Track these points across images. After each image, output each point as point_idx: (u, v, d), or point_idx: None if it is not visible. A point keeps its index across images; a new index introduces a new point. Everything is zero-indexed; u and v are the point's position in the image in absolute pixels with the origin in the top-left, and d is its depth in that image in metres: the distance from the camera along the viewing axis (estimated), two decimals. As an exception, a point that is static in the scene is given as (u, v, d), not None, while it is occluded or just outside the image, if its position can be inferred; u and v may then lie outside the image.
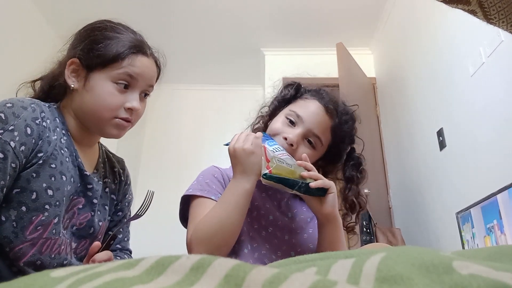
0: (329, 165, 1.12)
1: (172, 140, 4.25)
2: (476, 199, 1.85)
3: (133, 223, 1.15)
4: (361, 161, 1.11)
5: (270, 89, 1.23)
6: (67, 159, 0.89)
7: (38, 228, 0.82)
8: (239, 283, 0.21)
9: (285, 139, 1.00)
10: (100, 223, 0.99)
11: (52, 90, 0.98)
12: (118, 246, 1.10)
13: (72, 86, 0.92)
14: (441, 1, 0.59)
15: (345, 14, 3.46)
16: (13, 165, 0.79)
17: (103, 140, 1.09)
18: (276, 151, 0.94)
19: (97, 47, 0.91)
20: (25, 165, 0.82)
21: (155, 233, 3.52)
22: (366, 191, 2.69)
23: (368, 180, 1.14)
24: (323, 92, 1.10)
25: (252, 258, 0.96)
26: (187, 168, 4.06)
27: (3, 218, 0.80)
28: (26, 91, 1.01)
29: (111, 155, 1.13)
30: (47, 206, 0.83)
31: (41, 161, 0.83)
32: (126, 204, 1.13)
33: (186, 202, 1.01)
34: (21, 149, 0.80)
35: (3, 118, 0.80)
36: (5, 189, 0.79)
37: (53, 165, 0.85)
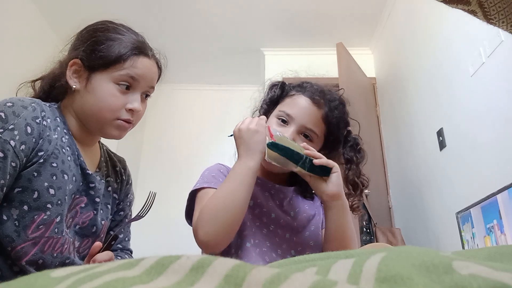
0: (331, 153, 1.12)
1: (172, 140, 4.25)
2: (476, 199, 1.84)
3: (133, 223, 1.15)
4: (358, 141, 1.12)
5: (259, 91, 1.24)
6: (68, 158, 0.89)
7: (40, 227, 0.82)
8: (239, 283, 0.21)
9: None
10: (103, 222, 0.99)
11: (52, 90, 0.99)
12: (119, 246, 1.10)
13: (74, 86, 0.92)
14: (441, 1, 0.59)
15: (345, 14, 3.45)
16: (13, 164, 0.79)
17: (103, 140, 1.09)
18: (281, 134, 0.97)
19: (100, 48, 0.91)
20: (25, 164, 0.82)
21: (155, 233, 3.52)
22: (366, 191, 2.69)
23: (368, 180, 1.14)
24: (306, 85, 1.10)
25: (254, 252, 0.96)
26: (187, 168, 4.06)
27: (5, 217, 0.80)
28: (26, 91, 1.01)
29: (112, 154, 1.13)
30: (49, 205, 0.83)
31: (42, 160, 0.83)
32: (128, 204, 1.13)
33: (193, 198, 1.01)
34: (21, 148, 0.80)
35: (3, 117, 0.80)
36: (5, 188, 0.79)
37: (54, 164, 0.85)
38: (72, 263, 0.90)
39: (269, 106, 1.14)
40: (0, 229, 0.80)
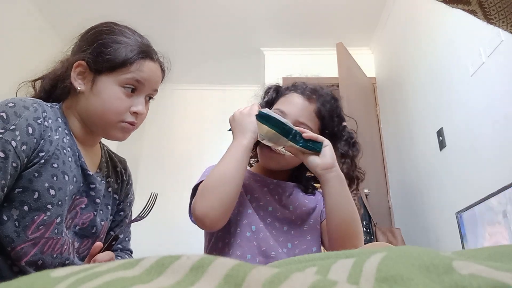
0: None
1: (172, 140, 4.25)
2: (476, 199, 1.85)
3: (133, 224, 1.15)
4: (352, 135, 1.14)
5: (256, 95, 1.26)
6: (69, 158, 0.89)
7: (40, 227, 0.82)
8: (239, 283, 0.21)
9: None
10: (102, 223, 0.99)
11: (54, 90, 0.99)
12: (119, 246, 1.10)
13: (79, 88, 0.92)
14: (441, 1, 0.59)
15: (345, 14, 3.46)
16: (14, 164, 0.79)
17: (104, 140, 1.09)
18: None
19: (106, 51, 0.91)
20: (26, 165, 0.82)
21: (155, 233, 3.52)
22: (366, 191, 2.69)
23: (368, 180, 1.14)
24: (299, 84, 1.14)
25: (255, 240, 0.97)
26: (187, 168, 4.06)
27: (5, 218, 0.80)
28: (27, 90, 1.01)
29: (113, 155, 1.13)
30: (49, 206, 0.83)
31: (42, 161, 0.83)
32: (128, 204, 1.13)
33: (194, 194, 1.02)
34: (22, 149, 0.80)
35: (5, 117, 0.80)
36: (6, 189, 0.79)
37: (55, 165, 0.85)
38: (71, 264, 0.90)
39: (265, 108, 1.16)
40: (0, 229, 0.80)
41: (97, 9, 3.45)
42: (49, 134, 0.85)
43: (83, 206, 0.94)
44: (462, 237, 1.94)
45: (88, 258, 0.91)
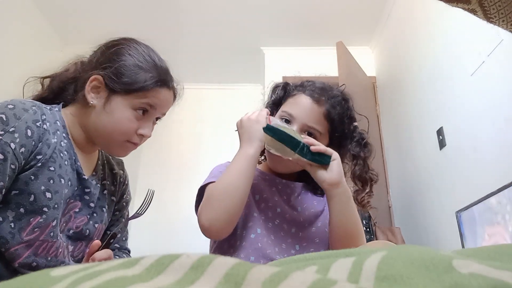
0: (339, 150, 1.10)
1: (171, 139, 4.24)
2: (476, 198, 1.85)
3: (132, 223, 1.15)
4: (363, 136, 1.11)
5: (263, 93, 1.24)
6: (65, 162, 0.89)
7: (35, 230, 0.82)
8: (239, 282, 0.21)
9: None
10: (96, 225, 0.99)
11: (61, 92, 0.99)
12: (116, 245, 1.10)
13: (91, 102, 0.92)
14: (441, 0, 0.59)
15: (345, 13, 3.45)
16: (13, 166, 0.79)
17: None
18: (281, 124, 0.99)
19: (126, 74, 0.92)
20: (24, 167, 0.82)
21: (154, 232, 3.52)
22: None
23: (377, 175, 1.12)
24: (307, 84, 1.10)
25: (259, 242, 0.97)
26: (187, 167, 4.06)
27: (0, 219, 0.80)
28: (34, 87, 1.01)
29: (110, 157, 1.13)
30: (45, 209, 0.83)
31: (39, 164, 0.83)
32: (124, 204, 1.13)
33: (201, 194, 1.02)
34: (20, 151, 0.80)
35: (4, 119, 0.80)
36: (3, 190, 0.79)
37: (52, 168, 0.85)
38: None
39: (272, 108, 1.14)
40: None
41: (97, 9, 3.45)
42: (47, 137, 0.85)
43: (77, 210, 0.94)
44: (462, 236, 1.94)
45: (86, 257, 0.91)
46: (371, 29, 3.67)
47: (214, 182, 0.99)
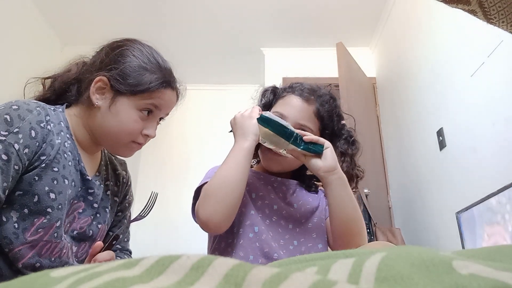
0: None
1: (171, 140, 4.24)
2: (476, 199, 1.85)
3: (133, 223, 1.15)
4: (351, 133, 1.14)
5: (253, 98, 1.26)
6: (69, 163, 0.90)
7: (39, 230, 0.83)
8: (239, 283, 0.21)
9: None
10: (99, 226, 0.99)
11: (64, 92, 0.99)
12: (118, 246, 1.10)
13: (97, 103, 0.93)
14: (441, 1, 0.59)
15: (345, 13, 3.46)
16: (16, 167, 0.79)
17: None
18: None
19: (132, 75, 0.93)
20: (27, 168, 0.82)
21: (154, 233, 3.52)
22: (366, 191, 2.69)
23: (368, 180, 1.15)
24: (296, 85, 1.14)
25: (257, 241, 0.98)
26: (186, 168, 4.06)
27: (4, 219, 0.80)
28: (35, 87, 1.01)
29: (113, 157, 1.13)
30: (49, 210, 0.83)
31: (43, 165, 0.83)
32: (127, 205, 1.13)
33: (197, 195, 1.02)
34: (24, 152, 0.80)
35: (9, 120, 0.80)
36: (7, 191, 0.79)
37: (55, 169, 0.85)
38: None
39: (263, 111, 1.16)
40: None
41: (97, 10, 3.45)
42: (51, 138, 0.86)
43: (81, 210, 0.94)
44: (462, 237, 1.95)
45: (88, 258, 0.91)
46: (371, 30, 3.67)
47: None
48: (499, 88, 1.81)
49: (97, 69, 0.95)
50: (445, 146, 2.31)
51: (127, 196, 1.14)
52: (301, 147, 0.94)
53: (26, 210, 0.82)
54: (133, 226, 1.19)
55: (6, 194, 0.79)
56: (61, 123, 0.92)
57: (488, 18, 0.57)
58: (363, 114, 3.21)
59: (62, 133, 0.90)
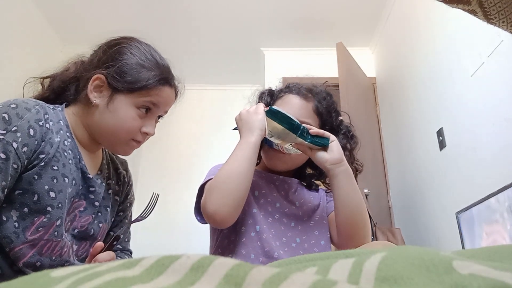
0: None
1: (171, 140, 4.24)
2: (476, 199, 1.85)
3: (133, 224, 1.15)
4: (350, 128, 1.16)
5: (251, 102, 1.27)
6: (70, 161, 0.89)
7: (40, 229, 0.82)
8: (239, 283, 0.21)
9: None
10: (100, 225, 0.99)
11: (63, 92, 0.99)
12: (118, 246, 1.10)
13: (94, 102, 0.93)
14: (441, 1, 0.59)
15: (345, 13, 3.46)
16: (15, 166, 0.79)
17: None
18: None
19: (129, 73, 0.93)
20: (27, 166, 0.82)
21: (155, 233, 3.52)
22: (366, 191, 2.69)
23: (368, 180, 1.16)
24: (292, 85, 1.16)
25: (259, 240, 0.98)
26: (187, 168, 4.06)
27: (4, 218, 0.80)
28: (34, 87, 1.01)
29: (114, 157, 1.13)
30: (49, 208, 0.83)
31: (43, 163, 0.83)
32: (128, 205, 1.13)
33: (201, 194, 1.03)
34: (23, 150, 0.80)
35: (7, 118, 0.80)
36: (6, 190, 0.79)
37: (55, 167, 0.85)
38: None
39: None
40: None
41: (97, 10, 3.45)
42: (50, 136, 0.85)
43: (82, 209, 0.94)
44: (462, 237, 1.94)
45: (89, 258, 0.91)
46: (371, 30, 3.67)
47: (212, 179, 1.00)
48: (499, 88, 1.81)
49: (95, 67, 0.95)
50: (445, 146, 2.31)
51: (129, 196, 1.14)
52: (308, 140, 0.95)
53: (26, 209, 0.81)
54: (133, 226, 1.19)
55: (6, 193, 0.79)
56: (61, 121, 0.91)
57: (488, 18, 0.57)
58: (363, 114, 3.21)
59: (61, 131, 0.90)
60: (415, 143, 2.80)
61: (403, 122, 3.02)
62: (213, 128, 4.29)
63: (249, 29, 3.71)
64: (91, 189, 0.96)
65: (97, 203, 0.97)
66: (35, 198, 0.82)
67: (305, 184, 1.16)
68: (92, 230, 0.97)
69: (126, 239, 1.13)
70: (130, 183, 1.16)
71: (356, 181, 1.11)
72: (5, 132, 0.78)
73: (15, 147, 0.79)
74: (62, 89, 0.99)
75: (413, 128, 2.83)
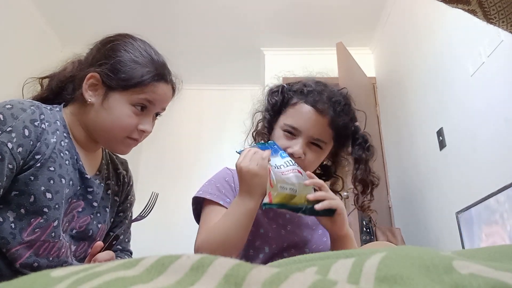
0: (341, 149, 1.10)
1: (171, 140, 4.24)
2: (476, 199, 1.85)
3: (133, 224, 1.15)
4: (366, 138, 1.09)
5: (259, 101, 1.18)
6: (66, 162, 0.89)
7: (36, 230, 0.82)
8: (239, 283, 0.21)
9: (291, 155, 0.98)
10: (99, 225, 0.99)
11: (61, 91, 0.99)
12: (118, 247, 1.10)
13: (89, 100, 0.92)
14: (441, 1, 0.59)
15: (345, 13, 3.45)
16: (10, 166, 0.79)
17: None
18: (286, 166, 0.93)
19: (123, 70, 0.92)
20: (22, 167, 0.82)
21: (155, 233, 3.51)
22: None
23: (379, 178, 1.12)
24: (306, 90, 1.05)
25: (268, 261, 0.96)
26: (187, 168, 4.05)
27: (1, 219, 0.80)
28: (34, 88, 1.01)
29: (114, 157, 1.13)
30: (45, 209, 0.83)
31: (39, 164, 0.83)
32: (128, 205, 1.13)
33: (200, 202, 1.02)
34: (18, 151, 0.79)
35: (2, 119, 0.80)
36: (2, 190, 0.79)
37: (51, 168, 0.84)
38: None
39: (271, 115, 1.11)
40: None
41: (97, 10, 3.45)
42: (45, 136, 0.85)
43: (80, 209, 0.94)
44: (462, 237, 1.94)
45: (88, 258, 0.91)
46: (371, 30, 3.67)
47: (209, 200, 0.98)
48: (499, 88, 1.81)
49: (89, 66, 0.94)
50: (445, 146, 2.31)
51: (129, 197, 1.13)
52: (311, 214, 0.89)
53: (22, 210, 0.81)
54: (133, 226, 1.19)
55: (1, 193, 0.79)
56: (58, 122, 0.91)
57: (488, 18, 0.57)
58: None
59: (58, 132, 0.89)
60: (415, 143, 2.80)
61: (403, 122, 3.02)
62: (213, 128, 4.29)
63: (249, 29, 3.71)
64: (89, 189, 0.95)
65: (95, 204, 0.97)
66: (32, 199, 0.82)
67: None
68: (90, 230, 0.96)
69: (126, 240, 1.13)
70: (131, 183, 1.15)
71: (372, 195, 1.06)
72: (0, 132, 0.78)
73: (10, 147, 0.78)
74: (60, 89, 0.99)
75: (413, 128, 2.83)
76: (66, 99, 0.98)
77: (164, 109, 1.02)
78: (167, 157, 4.21)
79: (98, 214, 0.99)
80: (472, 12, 0.58)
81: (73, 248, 0.94)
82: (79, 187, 0.93)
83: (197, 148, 4.23)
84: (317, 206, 0.86)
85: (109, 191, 1.04)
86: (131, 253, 1.14)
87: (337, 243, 0.93)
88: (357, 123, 1.10)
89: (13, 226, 0.80)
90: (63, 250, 0.89)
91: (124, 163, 1.16)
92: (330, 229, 0.92)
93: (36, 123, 0.84)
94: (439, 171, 2.40)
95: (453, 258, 0.25)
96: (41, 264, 0.85)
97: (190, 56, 4.08)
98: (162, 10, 3.46)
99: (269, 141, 1.01)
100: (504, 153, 1.75)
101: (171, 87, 1.00)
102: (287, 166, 0.93)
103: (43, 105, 0.90)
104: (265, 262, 0.96)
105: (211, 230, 0.92)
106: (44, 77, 1.01)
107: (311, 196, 0.88)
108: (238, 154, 0.93)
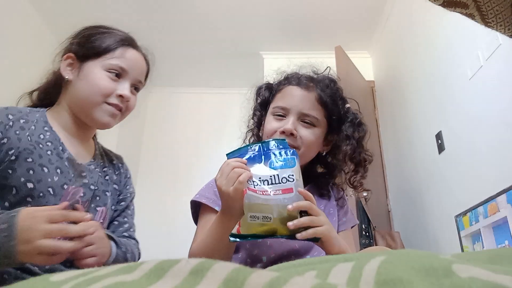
0: (338, 134, 1.06)
1: (170, 144, 4.24)
2: (474, 202, 1.85)
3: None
4: (357, 115, 1.07)
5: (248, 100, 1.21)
6: (48, 152, 0.93)
7: None
8: (238, 287, 0.21)
9: (283, 132, 0.97)
10: (98, 208, 1.00)
11: (47, 96, 1.06)
12: (125, 234, 1.09)
13: (67, 77, 1.00)
14: (439, 5, 0.59)
15: (344, 17, 3.46)
16: None
17: (102, 141, 1.16)
18: (271, 182, 0.80)
19: (91, 39, 1.01)
20: None
21: (153, 237, 3.51)
22: (365, 194, 2.69)
23: (367, 183, 1.10)
24: (291, 75, 1.10)
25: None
26: (186, 171, 4.05)
27: None
28: (26, 101, 1.08)
29: (108, 151, 1.18)
30: (29, 199, 0.86)
31: (13, 157, 0.88)
32: (128, 195, 1.15)
33: (198, 205, 1.03)
34: None
35: None
36: None
37: (29, 159, 0.89)
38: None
39: (260, 110, 1.12)
40: None
41: (95, 10, 3.45)
42: (16, 132, 0.91)
43: (82, 194, 0.97)
44: (461, 240, 1.94)
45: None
46: (370, 34, 3.68)
47: (205, 205, 0.98)
48: (498, 91, 1.82)
49: (64, 53, 1.03)
50: (444, 149, 2.31)
51: (128, 187, 1.16)
52: (286, 237, 0.77)
53: (7, 204, 0.85)
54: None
55: None
56: (37, 119, 0.97)
57: (485, 21, 0.57)
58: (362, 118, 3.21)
59: (34, 127, 0.95)
60: (413, 147, 2.80)
61: (402, 125, 3.02)
62: (211, 132, 4.29)
63: (248, 33, 3.72)
64: (83, 174, 0.99)
65: (92, 187, 1.00)
66: (14, 191, 0.86)
67: (315, 190, 1.06)
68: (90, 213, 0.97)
69: (131, 229, 1.13)
70: (128, 175, 1.18)
71: (366, 172, 1.02)
72: None
73: None
74: (46, 95, 1.07)
75: (412, 132, 2.83)
76: (53, 98, 1.05)
77: (140, 82, 1.06)
78: (166, 160, 4.21)
79: (98, 198, 1.01)
80: (470, 15, 0.58)
81: None
82: (72, 174, 0.96)
83: (195, 151, 4.22)
84: (299, 236, 0.76)
85: (107, 177, 1.07)
86: (137, 241, 1.12)
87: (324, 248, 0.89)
88: (348, 105, 1.09)
89: None
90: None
91: (119, 157, 1.20)
92: (320, 247, 0.84)
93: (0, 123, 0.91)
94: (438, 175, 2.40)
95: (452, 262, 0.25)
96: None
97: (189, 60, 4.08)
98: (162, 14, 3.47)
99: (266, 140, 0.88)
100: (503, 157, 1.75)
101: (142, 56, 1.07)
102: (272, 182, 0.80)
103: (21, 108, 0.98)
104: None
105: (198, 246, 0.91)
106: (33, 91, 1.09)
107: (291, 225, 0.75)
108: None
